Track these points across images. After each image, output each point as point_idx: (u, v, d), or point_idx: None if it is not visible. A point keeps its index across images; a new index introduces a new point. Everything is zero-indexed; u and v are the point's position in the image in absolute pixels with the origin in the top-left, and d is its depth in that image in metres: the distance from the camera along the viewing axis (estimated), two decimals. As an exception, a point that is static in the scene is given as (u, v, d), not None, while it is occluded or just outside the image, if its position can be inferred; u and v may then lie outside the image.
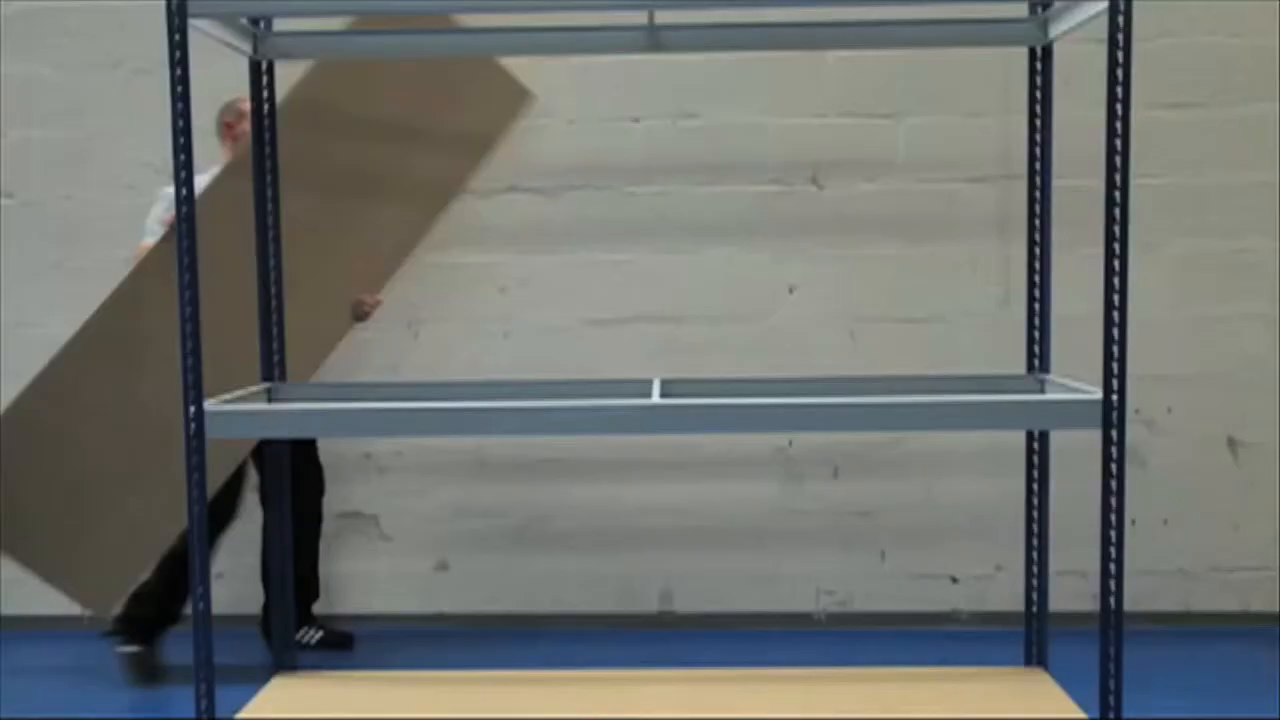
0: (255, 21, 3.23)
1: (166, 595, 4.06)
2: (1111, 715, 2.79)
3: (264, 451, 3.57)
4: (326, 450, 4.55)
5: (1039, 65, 3.31)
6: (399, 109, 3.93)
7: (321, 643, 4.31)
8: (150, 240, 3.97)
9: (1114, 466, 2.73)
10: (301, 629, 4.25)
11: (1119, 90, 2.67)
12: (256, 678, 3.36)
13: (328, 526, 4.57)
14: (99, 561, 3.83)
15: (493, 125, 4.04)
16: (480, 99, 3.99)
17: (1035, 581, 3.38)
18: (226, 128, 4.13)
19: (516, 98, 4.03)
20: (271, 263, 3.40)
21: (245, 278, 3.38)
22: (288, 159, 3.43)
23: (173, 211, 3.50)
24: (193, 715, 2.87)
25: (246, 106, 3.99)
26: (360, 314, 4.10)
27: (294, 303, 3.46)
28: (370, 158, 3.93)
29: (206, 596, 2.83)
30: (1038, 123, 3.33)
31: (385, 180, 3.94)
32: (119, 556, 3.83)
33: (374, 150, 3.93)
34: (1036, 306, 3.36)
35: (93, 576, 3.84)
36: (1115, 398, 2.73)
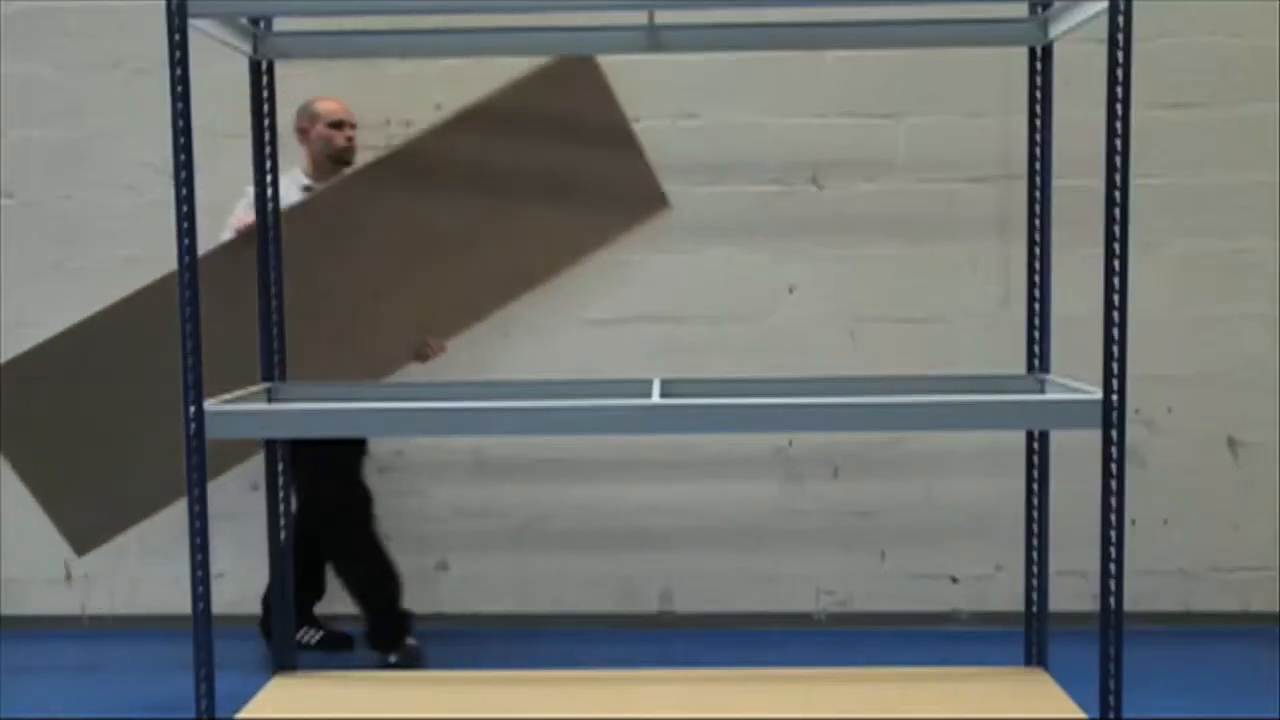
0: (255, 21, 3.24)
1: (374, 595, 4.18)
2: (1111, 715, 2.79)
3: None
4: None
5: (1039, 65, 3.31)
6: (536, 169, 3.95)
7: (321, 643, 4.31)
8: (227, 235, 3.99)
9: (1114, 466, 2.73)
10: (301, 629, 4.25)
11: (1119, 90, 2.67)
12: (256, 677, 3.38)
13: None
14: (95, 504, 3.92)
15: (617, 221, 4.05)
16: (616, 188, 3.98)
17: (1035, 581, 3.38)
18: (301, 133, 4.14)
19: (651, 201, 4.04)
20: (271, 262, 3.40)
21: (345, 281, 3.89)
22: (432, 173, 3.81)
23: (251, 213, 3.58)
24: (193, 715, 2.87)
25: (322, 107, 4.11)
26: (421, 354, 4.10)
27: (370, 313, 3.80)
28: (488, 209, 3.95)
29: (206, 596, 2.83)
30: (1038, 123, 3.33)
31: (492, 234, 3.95)
32: (115, 507, 3.93)
33: (493, 202, 3.95)
34: (1036, 306, 3.36)
35: (84, 516, 3.94)
36: (1115, 398, 2.73)
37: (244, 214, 3.86)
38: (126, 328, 3.90)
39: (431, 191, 3.93)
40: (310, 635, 4.31)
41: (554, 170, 3.96)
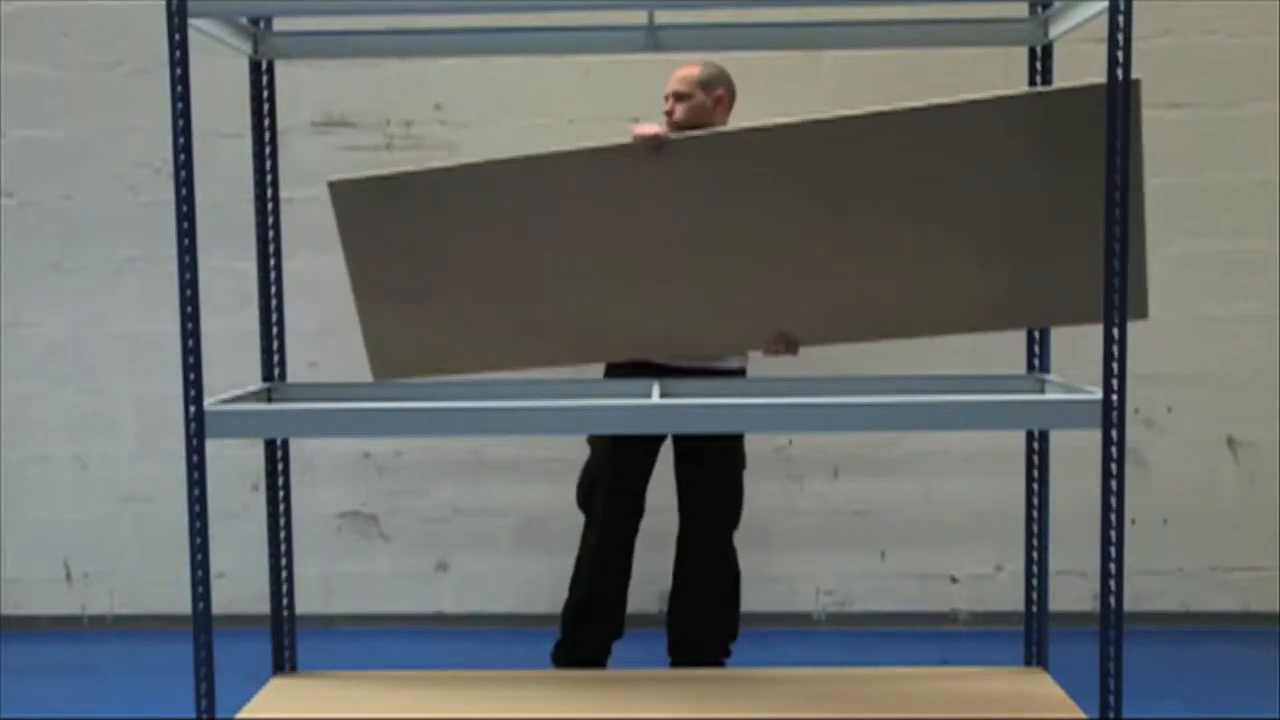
0: (255, 21, 3.24)
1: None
2: (1111, 715, 2.79)
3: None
4: (332, 448, 4.54)
5: (1039, 65, 3.31)
6: (992, 204, 3.11)
7: None
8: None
9: (1114, 466, 2.73)
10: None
11: (1119, 90, 2.67)
12: (257, 677, 3.38)
13: (325, 528, 4.57)
14: (411, 339, 3.37)
15: (1069, 310, 3.16)
16: (1086, 268, 3.01)
17: (1035, 581, 3.38)
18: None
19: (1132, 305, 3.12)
20: (272, 262, 3.40)
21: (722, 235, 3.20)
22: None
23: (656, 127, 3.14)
24: (193, 715, 2.87)
25: (684, 80, 3.54)
26: (774, 346, 3.35)
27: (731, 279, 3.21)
28: (912, 224, 3.14)
29: (206, 596, 2.83)
30: (1038, 122, 3.32)
31: (905, 255, 3.16)
32: (427, 351, 3.37)
33: (922, 219, 3.14)
34: (1036, 306, 3.35)
35: (396, 344, 3.37)
36: (1115, 398, 2.73)
37: (644, 126, 3.20)
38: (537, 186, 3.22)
39: (852, 178, 3.15)
40: None
41: (1016, 213, 3.09)
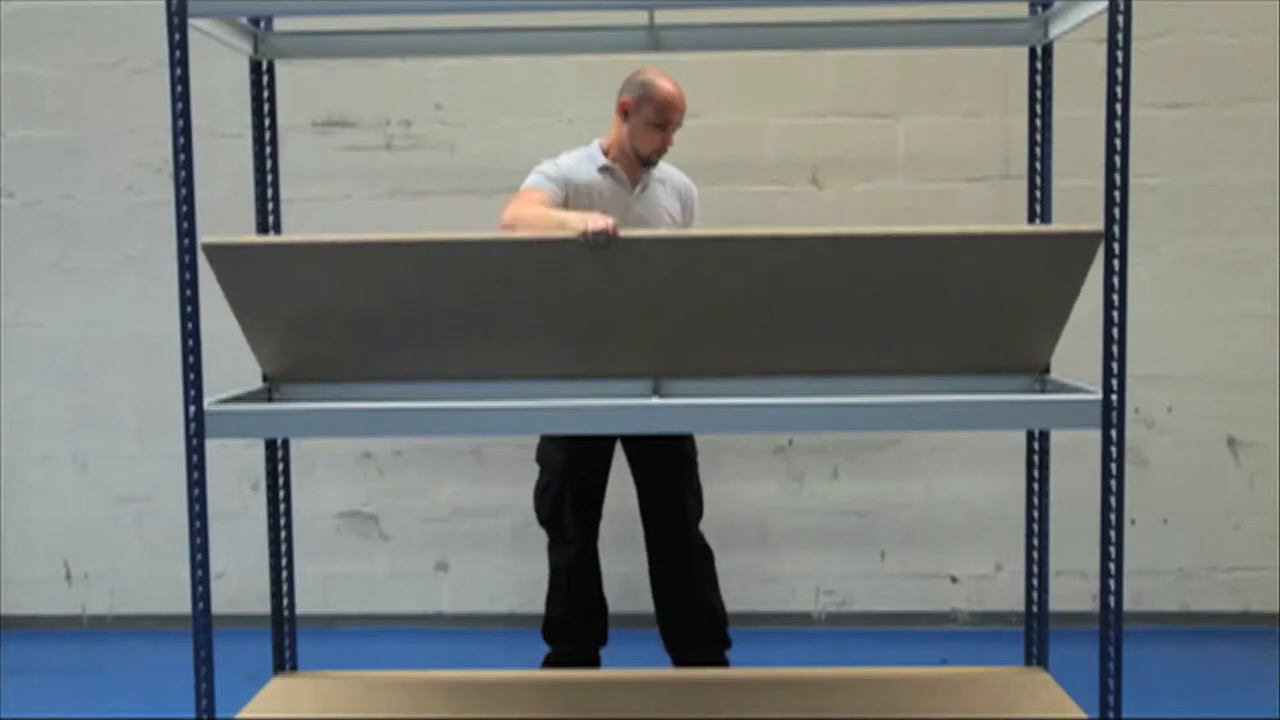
0: (255, 21, 3.24)
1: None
2: (1111, 715, 2.79)
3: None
4: (332, 448, 4.55)
5: (1039, 65, 3.31)
6: (932, 295, 2.97)
7: None
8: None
9: (1114, 466, 2.74)
10: None
11: (1119, 90, 2.68)
12: (257, 677, 3.38)
13: (325, 527, 4.57)
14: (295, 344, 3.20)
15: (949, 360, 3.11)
16: (989, 339, 3.10)
17: (1035, 581, 3.39)
18: (621, 108, 3.58)
19: (1029, 360, 3.17)
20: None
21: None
22: None
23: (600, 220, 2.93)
24: (193, 715, 2.87)
25: (659, 94, 3.47)
26: None
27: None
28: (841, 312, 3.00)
29: (206, 596, 2.83)
30: (1038, 123, 3.33)
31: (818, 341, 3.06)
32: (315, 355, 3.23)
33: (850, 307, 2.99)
34: (1036, 306, 3.35)
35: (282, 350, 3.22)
36: (1115, 398, 2.73)
37: (594, 220, 2.94)
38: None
39: (800, 292, 2.98)
40: None
41: (950, 303, 2.97)
